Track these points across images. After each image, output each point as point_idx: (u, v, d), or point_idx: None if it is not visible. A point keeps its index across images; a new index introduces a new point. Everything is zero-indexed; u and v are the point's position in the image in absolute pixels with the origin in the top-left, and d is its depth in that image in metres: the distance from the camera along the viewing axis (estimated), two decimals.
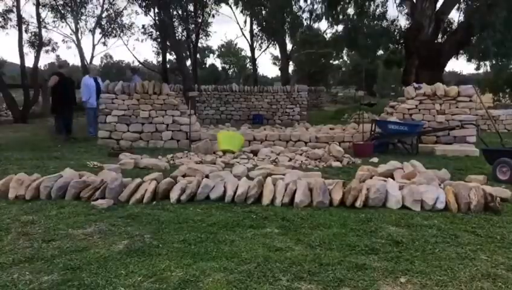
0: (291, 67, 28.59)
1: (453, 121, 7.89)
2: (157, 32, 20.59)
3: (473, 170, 5.56)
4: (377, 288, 2.25)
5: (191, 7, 19.35)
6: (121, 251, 2.73)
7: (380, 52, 19.14)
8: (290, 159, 6.29)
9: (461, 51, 16.11)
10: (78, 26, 19.90)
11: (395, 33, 16.66)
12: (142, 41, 22.39)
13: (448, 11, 14.86)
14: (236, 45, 36.49)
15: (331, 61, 33.26)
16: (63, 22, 19.58)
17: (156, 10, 17.18)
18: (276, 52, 28.82)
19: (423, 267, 2.48)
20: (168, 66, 22.24)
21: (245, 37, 24.76)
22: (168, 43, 18.80)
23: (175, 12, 17.34)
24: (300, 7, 21.78)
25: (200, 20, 21.14)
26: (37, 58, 15.74)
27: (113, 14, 20.50)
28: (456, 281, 2.32)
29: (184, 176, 4.83)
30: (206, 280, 2.33)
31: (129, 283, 2.30)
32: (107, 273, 2.41)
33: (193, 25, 20.23)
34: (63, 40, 22.39)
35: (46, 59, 48.64)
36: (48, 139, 8.98)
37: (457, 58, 16.83)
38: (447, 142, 7.80)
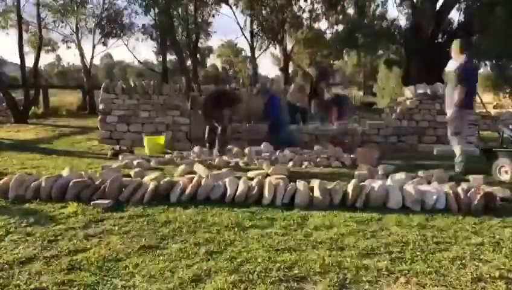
0: (291, 68, 28.61)
1: None
2: (157, 32, 20.61)
3: (473, 170, 5.55)
4: (377, 288, 2.25)
5: (191, 7, 19.38)
6: (121, 251, 2.73)
7: (380, 52, 19.15)
8: (290, 159, 6.28)
9: None
10: (78, 26, 19.88)
11: (395, 33, 16.65)
12: (142, 41, 22.34)
13: (448, 11, 14.87)
14: (236, 44, 36.49)
15: (331, 62, 33.27)
16: (63, 22, 19.58)
17: (156, 10, 17.20)
18: (276, 52, 28.84)
19: (423, 267, 2.48)
20: (168, 66, 22.26)
21: (245, 37, 24.69)
22: (168, 43, 18.82)
23: (175, 13, 17.36)
24: (301, 7, 21.83)
25: (200, 20, 21.16)
26: (37, 58, 15.73)
27: (113, 14, 20.49)
28: (457, 281, 2.32)
29: (184, 176, 4.82)
30: (206, 280, 2.33)
31: (129, 283, 2.30)
32: (107, 273, 2.41)
33: (193, 25, 20.24)
34: (62, 40, 22.26)
35: (46, 59, 48.60)
36: None
37: None
38: (447, 142, 7.79)
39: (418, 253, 2.70)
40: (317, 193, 3.79)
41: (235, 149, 7.00)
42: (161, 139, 7.69)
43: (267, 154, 6.69)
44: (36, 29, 17.03)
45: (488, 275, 2.38)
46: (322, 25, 51.00)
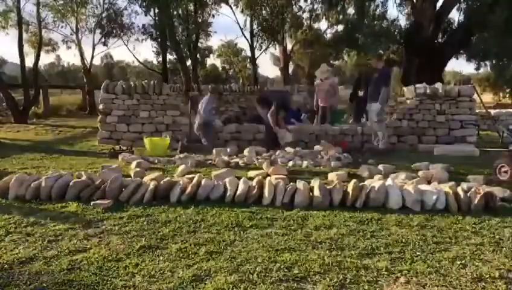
0: (291, 68, 28.59)
1: (454, 121, 7.90)
2: (157, 32, 20.62)
3: (473, 170, 5.56)
4: (377, 288, 2.25)
5: (191, 7, 19.40)
6: (121, 251, 2.74)
7: (380, 52, 19.15)
8: (290, 160, 6.28)
9: (461, 51, 16.11)
10: (78, 26, 19.90)
11: (395, 33, 16.65)
12: (142, 41, 22.40)
13: (448, 11, 14.86)
14: (236, 45, 36.45)
15: (331, 62, 33.22)
16: (63, 22, 19.60)
17: (156, 10, 17.21)
18: (276, 52, 28.83)
19: (423, 267, 2.48)
20: (168, 66, 22.26)
21: (245, 37, 24.69)
22: (168, 43, 18.81)
23: (175, 12, 17.37)
24: (301, 7, 21.84)
25: (200, 20, 21.18)
26: (37, 58, 15.74)
27: (113, 14, 20.52)
28: (457, 281, 2.32)
29: (184, 176, 4.82)
30: (206, 280, 2.33)
31: (129, 283, 2.30)
32: (107, 273, 2.41)
33: (193, 25, 20.26)
34: (62, 40, 22.31)
35: (46, 59, 48.59)
36: None
37: (457, 58, 16.84)
38: (447, 142, 7.80)
39: (418, 253, 2.70)
40: (317, 193, 3.79)
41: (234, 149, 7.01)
42: (166, 141, 7.45)
43: (267, 154, 6.70)
44: (36, 29, 17.05)
45: (488, 275, 2.38)
46: (322, 25, 51.01)
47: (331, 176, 4.91)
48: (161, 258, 2.63)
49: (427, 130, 8.00)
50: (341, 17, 18.31)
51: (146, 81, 8.95)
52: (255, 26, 23.66)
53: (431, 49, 13.87)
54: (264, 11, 22.45)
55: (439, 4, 14.35)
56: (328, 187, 3.91)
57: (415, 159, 6.15)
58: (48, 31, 20.34)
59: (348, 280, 2.33)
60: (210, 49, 35.82)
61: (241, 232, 3.08)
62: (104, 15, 20.40)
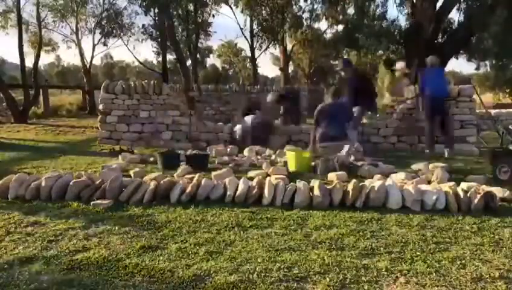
0: (291, 67, 28.65)
1: (454, 122, 7.88)
2: (157, 32, 20.65)
3: (473, 170, 5.56)
4: (377, 288, 2.25)
5: (191, 7, 19.40)
6: (121, 251, 2.74)
7: (380, 52, 19.14)
8: None
9: (461, 51, 16.10)
10: (78, 26, 19.93)
11: (395, 33, 16.63)
12: (142, 41, 22.43)
13: (448, 11, 14.85)
14: (236, 45, 36.47)
15: (331, 61, 33.27)
16: (63, 22, 19.64)
17: (156, 10, 17.22)
18: (276, 52, 28.85)
19: (423, 267, 2.48)
20: (168, 66, 22.29)
21: (245, 37, 24.76)
22: (168, 43, 18.83)
23: (175, 13, 17.38)
24: (301, 7, 21.86)
25: (200, 20, 21.20)
26: (37, 58, 15.75)
27: (113, 14, 20.54)
28: (457, 281, 2.32)
29: (184, 176, 4.82)
30: (206, 280, 2.33)
31: (129, 283, 2.30)
32: (107, 273, 2.41)
33: (193, 25, 20.28)
34: (62, 40, 22.35)
35: (46, 59, 48.60)
36: None
37: (457, 58, 16.82)
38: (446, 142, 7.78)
39: (418, 253, 2.70)
40: (317, 192, 3.79)
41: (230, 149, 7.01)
42: (306, 154, 6.04)
43: (267, 154, 6.70)
44: (36, 29, 17.07)
45: (488, 275, 2.38)
46: (322, 25, 51.00)
47: (331, 176, 4.91)
48: (161, 258, 2.63)
49: None
50: (341, 17, 18.33)
51: (146, 81, 8.95)
52: (255, 26, 23.72)
53: (431, 49, 13.85)
54: (264, 11, 22.48)
55: (439, 4, 14.34)
56: (328, 187, 3.91)
57: (415, 159, 6.14)
58: (48, 31, 20.41)
59: (348, 280, 2.33)
60: (210, 49, 35.87)
61: (241, 232, 3.08)
62: (104, 15, 20.42)
